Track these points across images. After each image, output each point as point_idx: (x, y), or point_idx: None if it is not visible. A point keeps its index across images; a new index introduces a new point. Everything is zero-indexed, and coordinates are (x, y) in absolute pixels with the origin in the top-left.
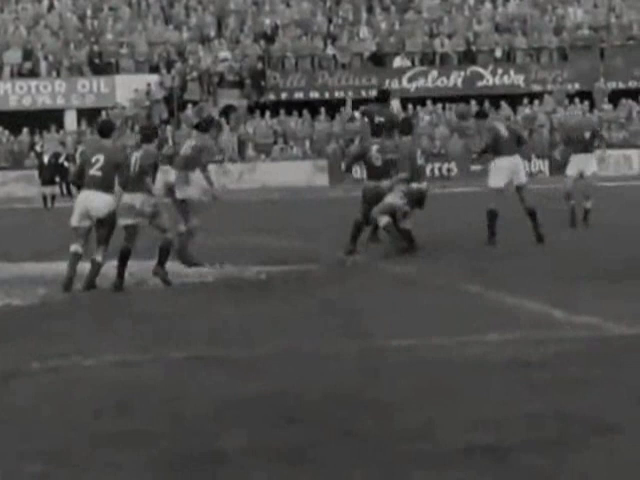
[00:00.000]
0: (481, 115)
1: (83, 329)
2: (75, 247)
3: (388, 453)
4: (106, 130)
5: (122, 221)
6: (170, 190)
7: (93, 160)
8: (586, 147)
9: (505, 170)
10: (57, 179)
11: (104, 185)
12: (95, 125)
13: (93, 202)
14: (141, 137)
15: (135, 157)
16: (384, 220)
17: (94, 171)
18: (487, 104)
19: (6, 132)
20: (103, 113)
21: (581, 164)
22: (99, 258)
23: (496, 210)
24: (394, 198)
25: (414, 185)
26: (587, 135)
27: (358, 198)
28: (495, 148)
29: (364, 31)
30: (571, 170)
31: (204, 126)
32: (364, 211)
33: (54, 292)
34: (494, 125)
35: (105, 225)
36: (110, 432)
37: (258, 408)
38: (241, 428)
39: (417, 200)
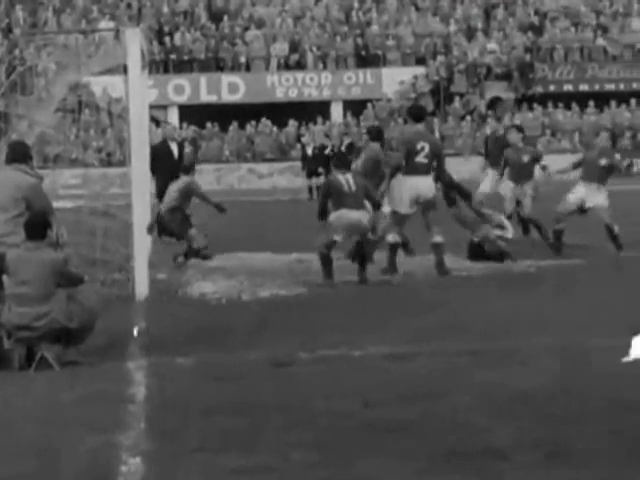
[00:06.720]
0: None
1: (351, 320)
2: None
3: None
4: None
5: None
6: None
7: (418, 147)
8: None
9: None
10: (322, 170)
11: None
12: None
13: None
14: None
15: None
16: None
17: (420, 158)
18: None
19: (269, 123)
20: (369, 105)
21: None
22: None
23: None
24: None
25: None
26: None
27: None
28: None
29: (636, 23)
30: None
31: (374, 135)
32: None
33: (319, 283)
34: None
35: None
36: (380, 422)
37: (529, 404)
38: (512, 424)
39: None
